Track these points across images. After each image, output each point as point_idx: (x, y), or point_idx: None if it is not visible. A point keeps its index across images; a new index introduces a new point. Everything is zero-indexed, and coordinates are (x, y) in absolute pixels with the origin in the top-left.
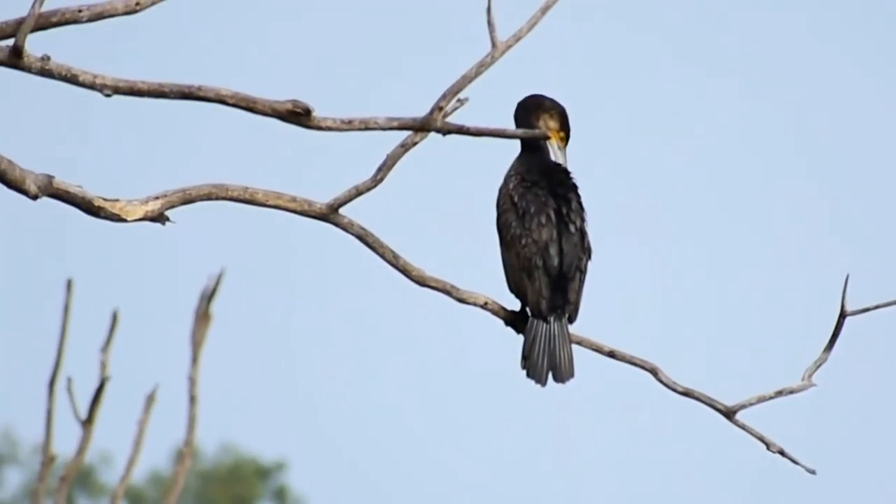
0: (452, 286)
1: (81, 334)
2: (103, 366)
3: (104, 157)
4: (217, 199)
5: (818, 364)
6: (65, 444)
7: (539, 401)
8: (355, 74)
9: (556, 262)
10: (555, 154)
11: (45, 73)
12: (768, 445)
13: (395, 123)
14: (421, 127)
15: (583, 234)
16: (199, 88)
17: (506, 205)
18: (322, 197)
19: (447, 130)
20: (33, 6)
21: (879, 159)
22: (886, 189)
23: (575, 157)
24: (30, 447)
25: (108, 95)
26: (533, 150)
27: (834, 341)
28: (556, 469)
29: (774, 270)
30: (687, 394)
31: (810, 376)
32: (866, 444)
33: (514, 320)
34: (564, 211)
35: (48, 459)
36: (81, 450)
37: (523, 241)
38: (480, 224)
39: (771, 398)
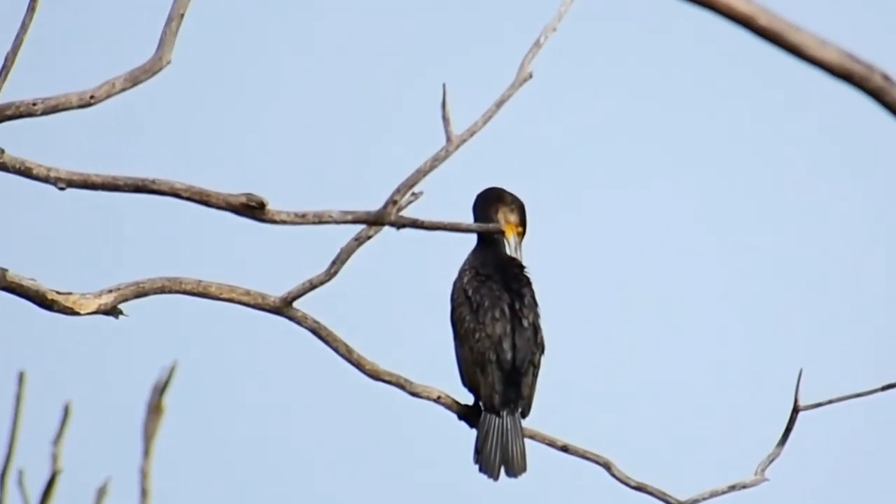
0: (406, 380)
1: (34, 427)
2: (55, 458)
3: (57, 250)
4: (171, 292)
5: (771, 459)
6: None
7: (492, 495)
8: (310, 168)
9: (509, 356)
10: (510, 248)
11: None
12: None
13: (349, 217)
14: (375, 221)
15: (536, 329)
16: (153, 182)
17: (460, 299)
18: (276, 290)
19: (401, 224)
20: None
21: (832, 252)
22: (840, 284)
23: (529, 252)
24: None
25: (61, 189)
26: (489, 243)
27: (787, 436)
28: None
29: (728, 364)
30: (640, 488)
31: (763, 471)
32: None
33: (468, 414)
34: (518, 306)
35: None
36: None
37: (477, 336)
38: (435, 318)
39: (724, 493)
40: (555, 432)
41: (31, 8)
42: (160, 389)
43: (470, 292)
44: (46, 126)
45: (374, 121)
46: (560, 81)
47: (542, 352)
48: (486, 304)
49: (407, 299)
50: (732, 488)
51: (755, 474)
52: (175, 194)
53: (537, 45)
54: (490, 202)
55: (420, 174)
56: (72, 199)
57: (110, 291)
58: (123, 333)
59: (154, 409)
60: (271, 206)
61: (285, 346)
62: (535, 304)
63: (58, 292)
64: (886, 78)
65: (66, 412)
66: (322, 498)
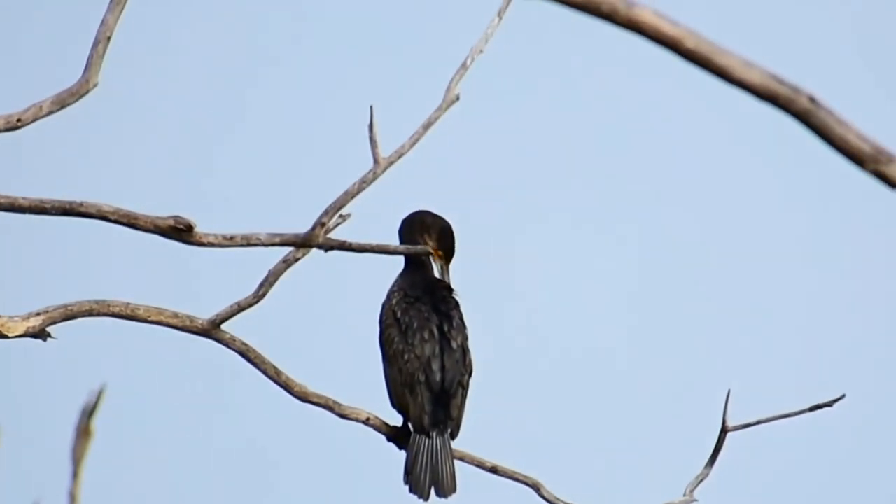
0: (335, 402)
1: None
2: None
3: None
4: (99, 314)
5: (700, 479)
6: None
7: None
8: (238, 190)
9: (438, 377)
10: (438, 270)
11: None
12: None
13: (277, 239)
14: (303, 243)
15: (464, 350)
16: (81, 204)
17: (389, 320)
18: (204, 313)
19: (329, 246)
20: None
21: (759, 275)
22: (768, 305)
23: (459, 273)
24: None
25: None
26: (417, 265)
27: (715, 457)
28: None
29: (657, 384)
30: None
31: (692, 491)
32: None
33: (397, 436)
34: (446, 328)
35: None
36: None
37: (406, 357)
38: (363, 339)
39: None
40: (484, 454)
41: None
42: (88, 412)
43: (399, 314)
44: None
45: (301, 143)
46: (487, 103)
47: (471, 373)
48: (415, 325)
49: (335, 321)
50: None
51: (684, 495)
52: (103, 217)
53: (464, 67)
54: (414, 226)
55: (348, 196)
56: None
57: (38, 314)
58: (52, 356)
59: (82, 433)
60: (199, 228)
61: (214, 369)
62: (464, 327)
63: None
64: (813, 100)
65: None
66: None
